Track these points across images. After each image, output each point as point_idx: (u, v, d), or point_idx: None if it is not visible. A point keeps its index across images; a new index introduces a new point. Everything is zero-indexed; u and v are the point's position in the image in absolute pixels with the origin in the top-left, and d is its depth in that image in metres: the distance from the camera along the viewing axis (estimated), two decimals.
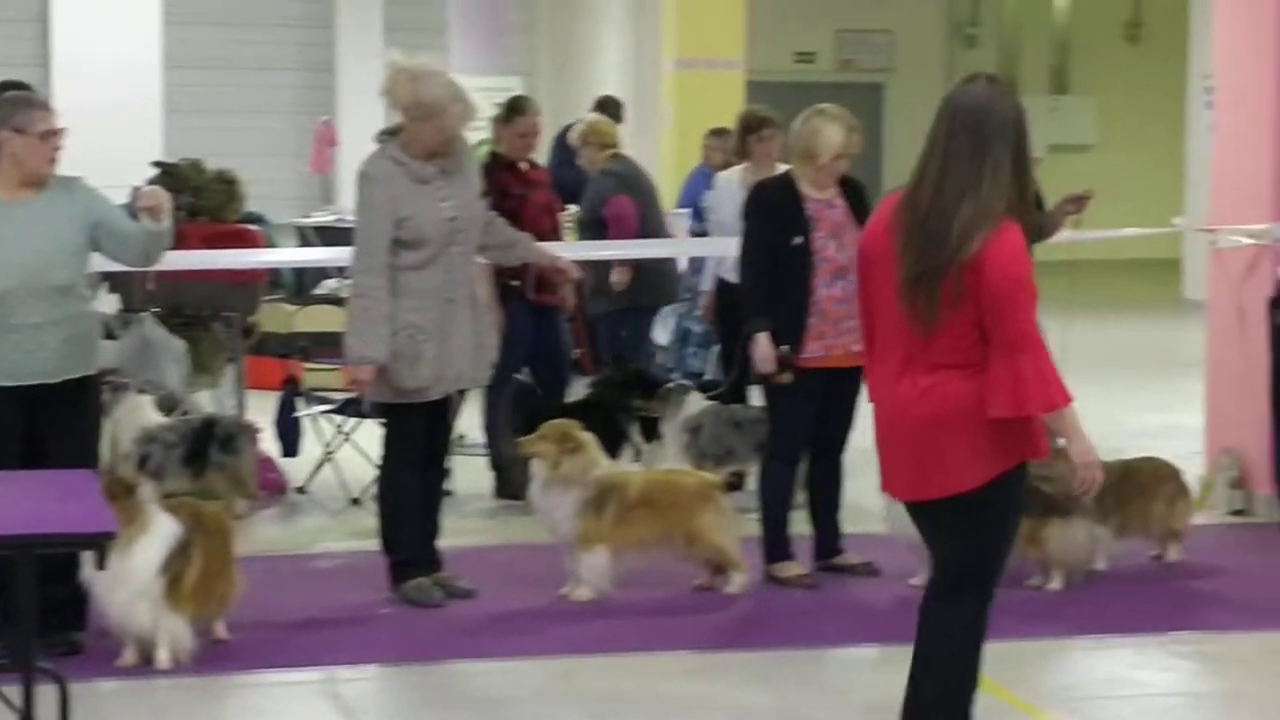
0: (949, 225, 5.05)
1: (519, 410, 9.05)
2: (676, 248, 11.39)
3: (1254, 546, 8.73)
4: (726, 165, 10.65)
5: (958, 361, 5.12)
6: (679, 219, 13.31)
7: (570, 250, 9.44)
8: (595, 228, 10.47)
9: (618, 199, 10.30)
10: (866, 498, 8.34)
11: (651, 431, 9.40)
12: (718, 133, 12.50)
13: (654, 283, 10.51)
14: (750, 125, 9.74)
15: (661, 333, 12.57)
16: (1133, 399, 12.82)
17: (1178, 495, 8.32)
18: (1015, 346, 5.04)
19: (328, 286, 13.49)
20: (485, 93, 12.01)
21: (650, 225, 10.48)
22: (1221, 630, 7.27)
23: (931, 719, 5.35)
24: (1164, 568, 8.22)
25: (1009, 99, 5.19)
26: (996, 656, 6.86)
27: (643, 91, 18.29)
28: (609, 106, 15.07)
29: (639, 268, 10.23)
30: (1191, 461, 9.45)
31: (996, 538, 5.33)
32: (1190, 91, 20.35)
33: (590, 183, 10.69)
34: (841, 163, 7.81)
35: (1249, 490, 9.29)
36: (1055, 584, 7.72)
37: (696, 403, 9.23)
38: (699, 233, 11.95)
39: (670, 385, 9.43)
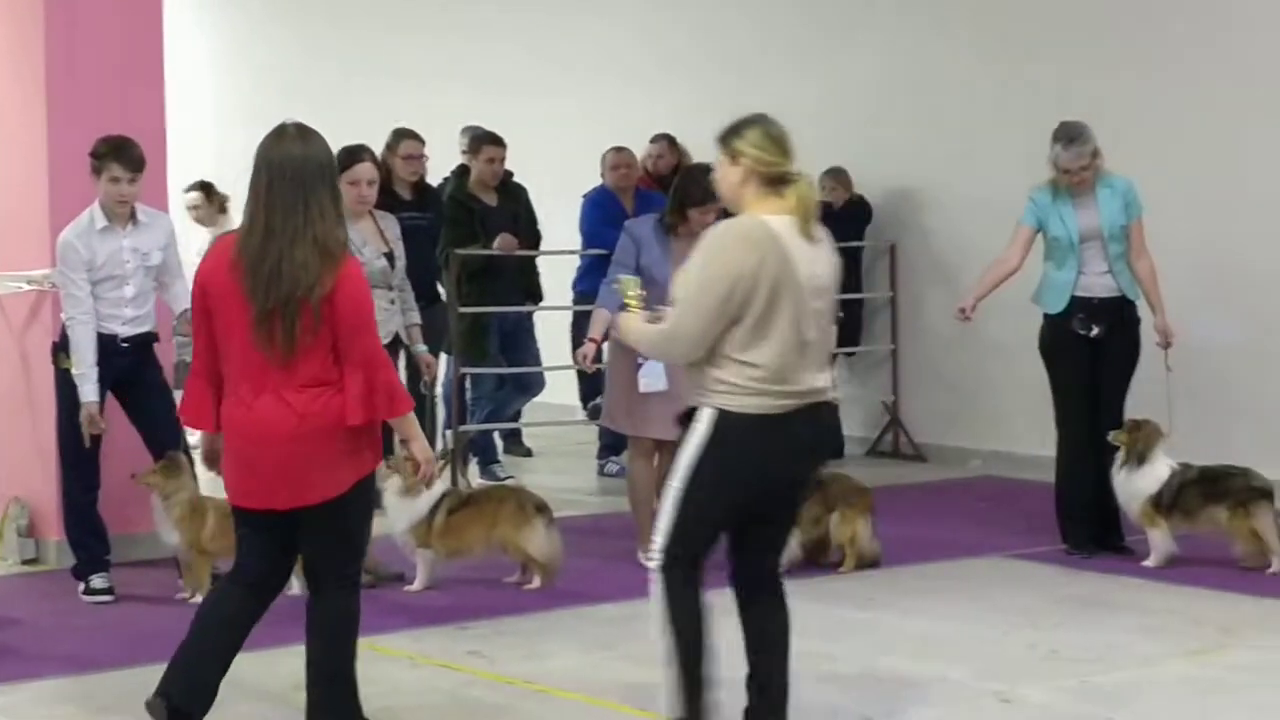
0: (293, 264, 5.53)
1: None
2: None
3: (46, 594, 8.63)
4: None
5: (318, 381, 5.64)
6: None
7: None
8: None
9: None
10: None
11: None
12: None
13: None
14: None
15: None
16: None
17: None
18: (369, 364, 5.66)
19: None
20: None
21: None
22: (14, 681, 7.08)
23: (328, 702, 5.87)
24: None
25: (320, 145, 5.71)
26: None
27: None
28: None
29: None
30: None
31: (359, 535, 5.94)
32: None
33: None
34: None
35: (40, 538, 9.18)
36: None
37: None
38: None
39: None
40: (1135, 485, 9.17)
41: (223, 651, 5.98)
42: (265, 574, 6.00)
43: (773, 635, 5.90)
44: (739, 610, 5.92)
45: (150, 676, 7.12)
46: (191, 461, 8.71)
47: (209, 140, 18.05)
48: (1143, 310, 9.47)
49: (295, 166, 5.63)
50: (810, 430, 5.67)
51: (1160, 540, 9.14)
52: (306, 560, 5.98)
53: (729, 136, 5.73)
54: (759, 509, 5.75)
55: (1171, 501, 9.11)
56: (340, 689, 5.94)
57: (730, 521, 5.75)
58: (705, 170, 9.70)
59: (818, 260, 5.66)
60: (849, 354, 13.27)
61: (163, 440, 8.58)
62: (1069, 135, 9.26)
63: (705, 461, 5.63)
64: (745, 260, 5.50)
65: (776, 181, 5.65)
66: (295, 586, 8.49)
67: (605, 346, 9.19)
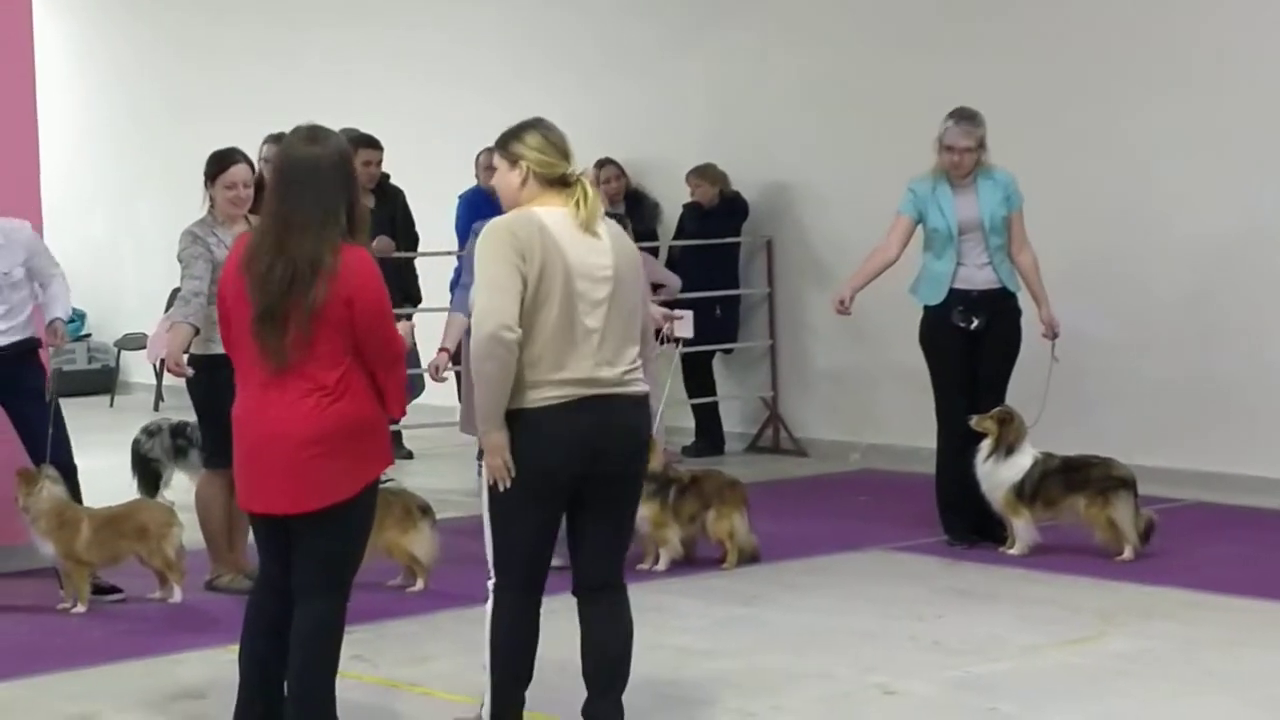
0: (292, 267, 5.44)
1: None
2: None
3: None
4: None
5: (319, 386, 5.51)
6: None
7: None
8: None
9: None
10: None
11: None
12: None
13: None
14: None
15: None
16: None
17: None
18: (399, 360, 5.64)
19: None
20: None
21: None
22: None
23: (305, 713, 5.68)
24: None
25: (329, 145, 5.56)
26: None
27: None
28: None
29: None
30: None
31: (360, 540, 5.77)
32: None
33: None
34: None
35: None
36: None
37: None
38: None
39: None
40: (1000, 475, 9.23)
41: (277, 661, 5.77)
42: (286, 577, 5.75)
43: (613, 652, 5.83)
44: (579, 616, 5.86)
45: (25, 691, 7.06)
46: (74, 471, 8.58)
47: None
48: (1023, 302, 9.54)
49: (305, 169, 5.55)
50: (595, 421, 5.60)
51: (1023, 529, 9.23)
52: (299, 564, 5.70)
53: (508, 140, 5.76)
54: (575, 508, 5.71)
55: (1034, 491, 9.19)
56: (311, 706, 5.69)
57: (545, 525, 5.68)
58: None
59: (596, 250, 5.67)
60: (727, 351, 13.30)
61: (35, 449, 8.45)
62: (962, 114, 9.33)
63: None
64: (512, 247, 5.52)
65: (556, 184, 5.70)
66: (176, 594, 8.42)
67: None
